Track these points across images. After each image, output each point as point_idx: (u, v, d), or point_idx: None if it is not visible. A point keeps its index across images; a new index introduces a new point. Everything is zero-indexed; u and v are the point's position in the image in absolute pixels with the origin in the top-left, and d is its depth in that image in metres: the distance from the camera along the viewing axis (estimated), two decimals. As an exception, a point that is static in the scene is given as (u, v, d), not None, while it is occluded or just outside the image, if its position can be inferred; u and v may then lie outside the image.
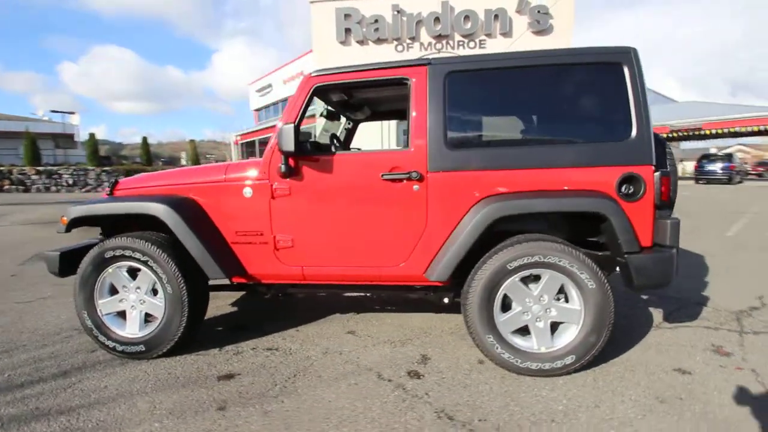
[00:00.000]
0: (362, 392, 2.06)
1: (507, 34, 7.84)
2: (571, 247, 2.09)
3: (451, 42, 8.05)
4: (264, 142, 22.69)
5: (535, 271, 2.13)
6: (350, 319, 3.09)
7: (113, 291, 2.52)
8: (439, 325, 2.93)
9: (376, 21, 7.79)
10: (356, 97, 3.06)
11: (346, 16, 7.89)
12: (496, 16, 7.74)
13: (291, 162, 2.30)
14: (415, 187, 2.23)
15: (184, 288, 2.36)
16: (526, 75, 2.20)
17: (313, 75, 2.35)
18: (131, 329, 2.46)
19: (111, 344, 2.44)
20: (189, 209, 2.41)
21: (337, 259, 2.37)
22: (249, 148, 24.29)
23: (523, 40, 7.56)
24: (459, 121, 2.22)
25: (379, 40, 8.13)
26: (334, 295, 2.98)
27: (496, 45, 7.84)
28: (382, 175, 2.25)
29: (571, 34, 7.46)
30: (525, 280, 2.17)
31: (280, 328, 2.90)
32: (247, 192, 2.39)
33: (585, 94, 2.16)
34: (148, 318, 2.47)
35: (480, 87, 2.24)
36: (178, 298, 2.35)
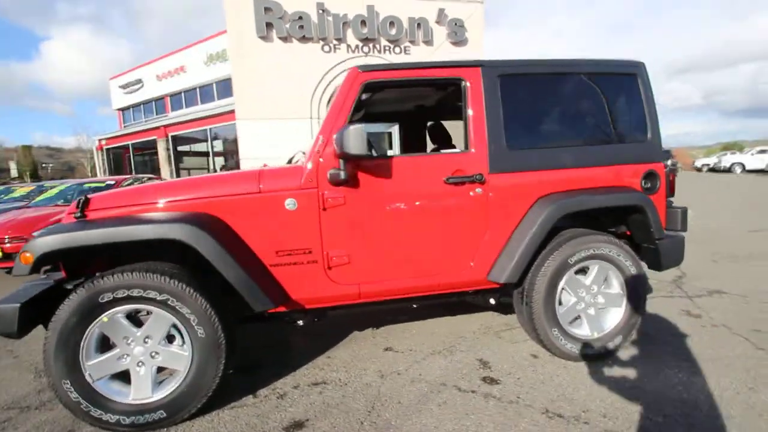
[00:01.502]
0: (458, 410, 1.94)
1: (429, 42, 8.28)
2: (615, 239, 2.32)
3: (377, 46, 8.12)
4: (145, 147, 19.53)
5: (587, 263, 2.30)
6: (375, 335, 2.88)
7: (104, 346, 1.88)
8: (465, 327, 2.94)
9: (300, 18, 7.40)
10: (395, 98, 2.86)
11: (267, 9, 7.30)
12: (419, 25, 8.10)
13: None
14: (478, 189, 2.19)
15: (220, 328, 1.89)
16: (566, 81, 2.36)
17: (361, 70, 2.12)
18: (141, 393, 1.87)
19: (113, 418, 1.81)
20: (219, 229, 1.94)
21: (399, 271, 2.19)
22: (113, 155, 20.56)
23: (443, 50, 8.09)
24: (515, 122, 2.26)
25: (304, 39, 7.72)
26: (345, 314, 2.71)
27: (420, 52, 8.21)
28: (446, 179, 2.15)
29: (482, 46, 8.30)
30: (578, 272, 2.32)
31: (306, 359, 2.54)
32: (290, 204, 2.04)
33: (613, 99, 2.42)
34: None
35: (528, 90, 2.32)
36: (213, 342, 1.88)
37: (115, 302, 1.79)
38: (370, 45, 8.00)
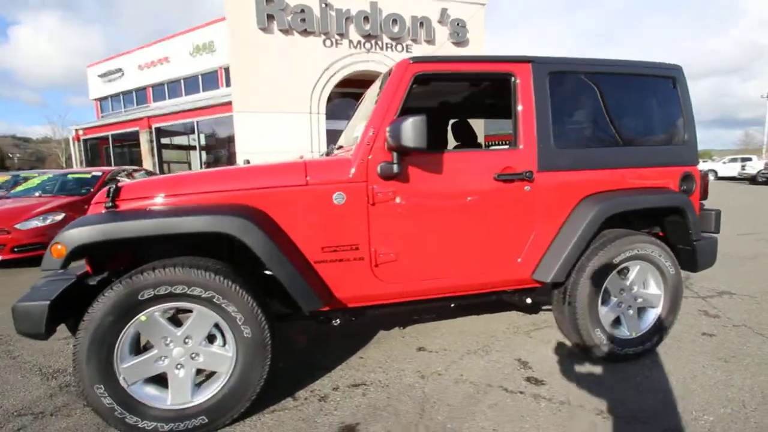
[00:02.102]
0: (511, 412, 1.89)
1: (431, 41, 8.24)
2: (657, 240, 2.32)
3: (380, 43, 8.01)
4: (125, 139, 18.68)
5: (629, 264, 2.30)
6: (404, 334, 2.80)
7: (135, 348, 1.74)
8: (493, 326, 2.90)
9: (303, 11, 7.20)
10: (419, 92, 2.78)
11: (268, 1, 7.08)
12: (421, 24, 8.04)
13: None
14: (527, 187, 2.15)
15: (266, 327, 1.78)
16: (611, 81, 2.34)
17: (412, 62, 2.04)
18: (180, 397, 1.74)
19: (150, 425, 1.68)
20: (266, 223, 1.83)
21: (445, 270, 2.12)
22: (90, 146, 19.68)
23: (444, 49, 8.07)
24: (562, 121, 2.23)
25: (306, 32, 7.53)
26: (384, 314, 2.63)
27: (421, 51, 8.15)
28: (496, 176, 2.10)
29: (483, 47, 8.32)
30: (619, 273, 2.32)
31: (337, 360, 2.45)
32: (339, 198, 1.94)
33: (653, 102, 2.43)
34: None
35: (575, 88, 2.30)
36: (259, 342, 1.76)
37: (156, 300, 1.65)
38: (372, 42, 7.88)
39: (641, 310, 2.40)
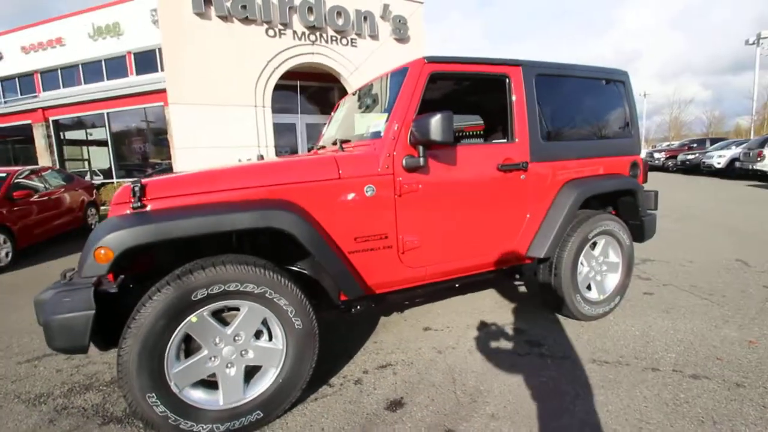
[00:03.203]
0: (528, 369, 2.19)
1: (375, 36, 8.35)
2: (616, 217, 2.81)
3: (324, 35, 7.89)
4: (10, 134, 15.63)
5: (597, 238, 2.75)
6: (405, 318, 2.99)
7: (185, 350, 1.69)
8: (481, 304, 3.22)
9: (243, -3, 6.83)
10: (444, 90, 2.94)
11: (205, -16, 6.59)
12: (365, 18, 8.10)
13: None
14: (522, 176, 2.46)
15: (314, 317, 1.84)
16: (581, 83, 2.75)
17: (428, 61, 2.20)
18: (233, 395, 1.73)
19: (206, 428, 1.65)
20: (309, 217, 1.87)
21: (460, 252, 2.35)
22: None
23: (388, 45, 8.26)
24: (547, 117, 2.57)
25: (247, 20, 7.12)
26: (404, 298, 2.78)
27: (366, 46, 8.23)
28: (499, 166, 2.37)
29: (423, 45, 8.67)
30: (590, 246, 2.76)
31: (354, 348, 2.55)
32: (370, 190, 2.04)
33: (611, 101, 2.90)
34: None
35: (555, 89, 2.65)
36: (309, 332, 1.82)
37: (209, 299, 1.62)
38: (317, 34, 7.77)
39: (606, 276, 2.88)
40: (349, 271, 1.91)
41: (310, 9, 7.49)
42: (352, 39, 8.03)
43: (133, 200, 1.68)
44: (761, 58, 23.66)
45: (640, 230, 2.96)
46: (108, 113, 13.03)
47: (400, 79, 2.25)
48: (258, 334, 1.82)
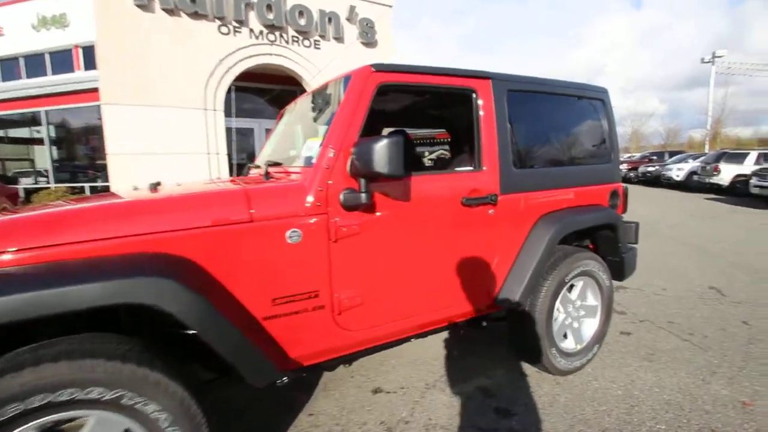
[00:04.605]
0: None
1: (340, 39, 7.85)
2: (596, 255, 2.44)
3: (285, 35, 7.31)
4: None
5: (575, 280, 2.37)
6: (352, 374, 2.50)
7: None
8: (440, 349, 2.79)
9: (191, -11, 6.16)
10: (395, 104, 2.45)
11: (147, -28, 5.88)
12: (329, 19, 7.59)
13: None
14: (491, 211, 2.04)
15: (204, 423, 1.32)
16: (557, 101, 2.37)
17: (375, 70, 1.74)
18: None
19: None
20: (198, 278, 1.35)
21: (415, 307, 1.89)
22: None
23: (354, 49, 7.79)
24: (520, 141, 2.17)
25: (197, 15, 6.44)
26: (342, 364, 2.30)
27: (331, 48, 7.71)
28: (463, 200, 1.94)
29: (391, 50, 8.27)
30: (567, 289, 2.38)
31: (282, 424, 2.04)
32: (293, 235, 1.55)
33: (590, 122, 2.54)
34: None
35: (529, 108, 2.26)
36: (199, 445, 1.29)
37: (27, 416, 1.07)
38: (277, 33, 7.19)
39: (583, 323, 2.52)
40: (255, 349, 1.40)
41: (269, 6, 6.91)
42: (315, 41, 7.51)
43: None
44: (713, 75, 25.00)
45: (620, 268, 2.62)
46: (47, 111, 11.82)
47: (341, 91, 1.78)
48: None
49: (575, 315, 2.44)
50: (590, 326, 2.52)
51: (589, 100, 2.53)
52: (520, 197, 2.15)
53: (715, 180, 12.70)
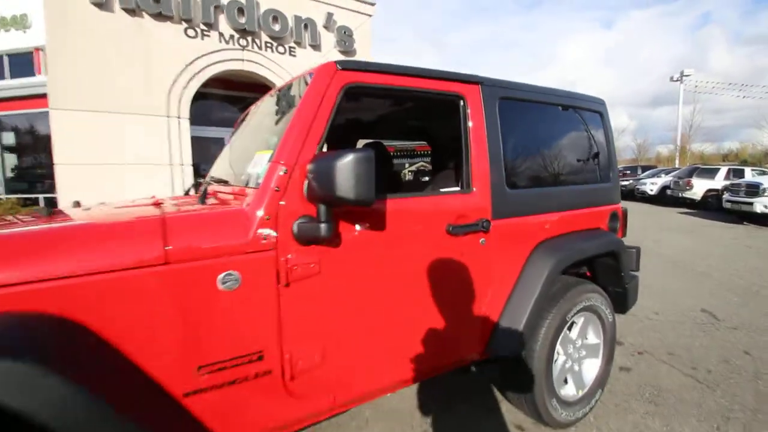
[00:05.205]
0: None
1: (317, 47, 7.52)
2: (597, 286, 2.15)
3: (258, 41, 6.92)
4: None
5: (576, 317, 2.06)
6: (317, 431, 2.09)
7: None
8: (425, 397, 2.42)
9: (156, -13, 5.71)
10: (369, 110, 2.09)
11: (105, -32, 5.41)
12: (305, 26, 7.25)
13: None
14: (482, 240, 1.71)
15: None
16: (554, 112, 2.09)
17: (341, 68, 1.39)
18: None
19: None
20: (80, 355, 0.95)
21: (388, 362, 1.52)
22: None
23: (330, 57, 7.47)
24: (512, 156, 1.86)
25: (160, 16, 5.98)
26: None
27: (306, 56, 7.37)
28: (449, 228, 1.60)
29: (371, 59, 7.97)
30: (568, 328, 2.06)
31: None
32: (229, 281, 1.16)
33: (589, 136, 2.26)
34: None
35: (523, 118, 1.96)
36: None
37: None
38: (249, 38, 6.79)
39: (583, 364, 2.20)
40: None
41: (240, 10, 6.52)
42: (290, 47, 7.16)
43: None
44: (681, 93, 26.02)
45: (622, 299, 2.33)
46: (1, 116, 10.95)
47: (299, 93, 1.43)
48: None
49: (576, 356, 2.12)
50: (592, 368, 2.20)
51: (587, 112, 2.26)
52: (515, 222, 1.83)
53: (688, 194, 12.95)
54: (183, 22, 6.21)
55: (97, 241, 1.05)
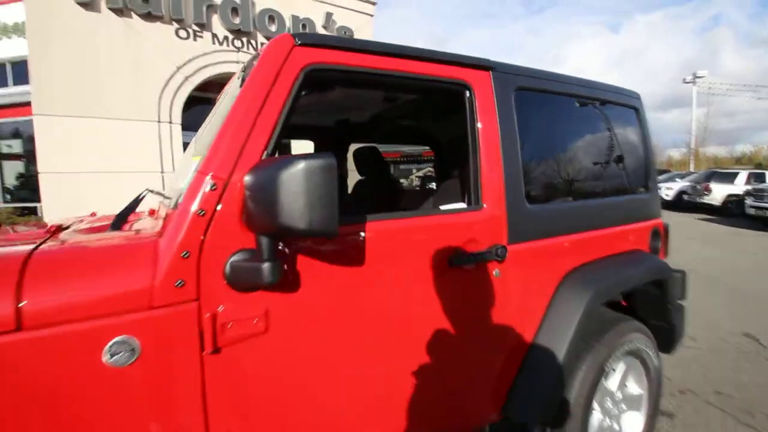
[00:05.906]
0: None
1: (315, 48, 7.22)
2: (641, 324, 1.72)
3: (253, 42, 6.63)
4: None
5: (616, 364, 1.64)
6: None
7: None
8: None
9: (146, -14, 5.44)
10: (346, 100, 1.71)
11: (91, -34, 5.16)
12: (303, 26, 6.96)
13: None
14: (495, 271, 1.30)
15: None
16: (580, 108, 1.68)
17: (300, 43, 1.01)
18: None
19: None
20: None
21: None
22: None
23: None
24: (532, 161, 1.46)
25: (150, 16, 5.71)
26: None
27: (304, 58, 7.06)
28: (452, 260, 1.19)
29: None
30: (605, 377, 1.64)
31: None
32: (122, 352, 0.78)
33: (624, 137, 1.85)
34: None
35: (545, 115, 1.56)
36: None
37: None
38: (244, 39, 6.50)
39: (621, 420, 1.77)
40: None
41: (234, 10, 6.23)
42: (287, 49, 6.84)
43: None
44: (695, 95, 25.35)
45: (669, 336, 1.90)
46: (2, 123, 10.82)
47: (244, 77, 1.05)
48: None
49: (614, 413, 1.69)
50: (634, 425, 1.77)
51: (621, 108, 1.85)
52: (537, 247, 1.42)
53: (706, 200, 12.36)
54: (174, 23, 5.91)
55: None
